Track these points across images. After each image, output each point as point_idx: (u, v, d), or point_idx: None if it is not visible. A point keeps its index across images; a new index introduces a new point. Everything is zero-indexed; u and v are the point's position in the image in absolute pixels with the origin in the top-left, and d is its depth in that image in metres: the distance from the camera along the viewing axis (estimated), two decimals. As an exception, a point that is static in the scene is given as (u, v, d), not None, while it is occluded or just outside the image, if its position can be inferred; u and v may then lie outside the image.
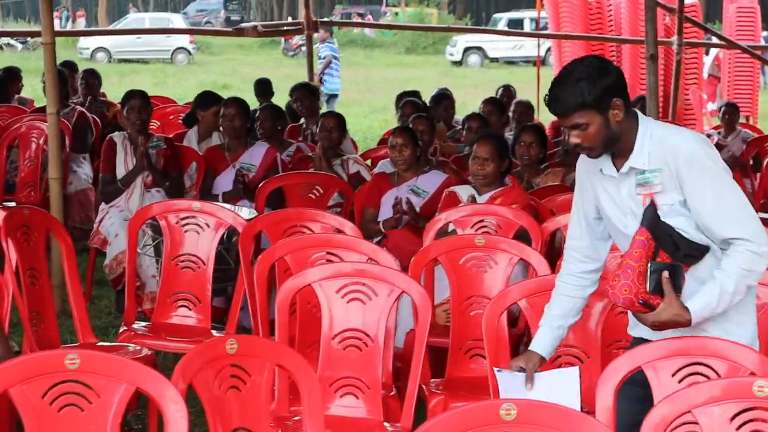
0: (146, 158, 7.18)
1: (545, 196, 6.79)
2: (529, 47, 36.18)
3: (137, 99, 7.43)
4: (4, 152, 8.63)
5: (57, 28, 40.72)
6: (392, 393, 4.66)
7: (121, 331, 5.43)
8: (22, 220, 5.01)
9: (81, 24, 37.35)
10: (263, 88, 11.24)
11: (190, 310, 5.57)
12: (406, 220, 6.45)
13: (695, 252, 3.63)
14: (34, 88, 16.27)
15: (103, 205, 7.41)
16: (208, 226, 5.62)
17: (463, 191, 6.27)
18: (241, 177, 7.24)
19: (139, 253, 6.15)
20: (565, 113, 3.60)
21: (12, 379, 3.07)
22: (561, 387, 3.85)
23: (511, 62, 36.11)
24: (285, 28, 13.13)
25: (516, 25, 35.83)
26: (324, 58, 21.30)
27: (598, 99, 3.57)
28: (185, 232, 5.62)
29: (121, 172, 7.29)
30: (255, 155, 7.48)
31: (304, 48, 37.57)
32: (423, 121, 7.87)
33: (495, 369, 3.99)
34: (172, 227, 5.62)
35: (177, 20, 37.30)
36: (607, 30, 16.07)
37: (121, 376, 3.15)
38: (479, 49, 36.24)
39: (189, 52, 35.45)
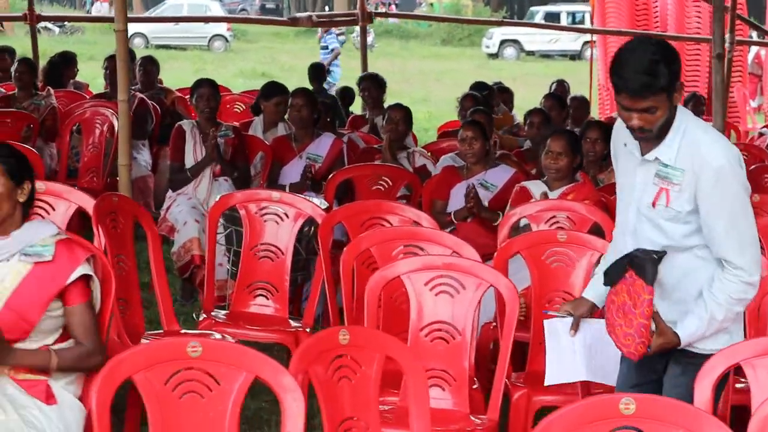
0: (215, 148, 7.24)
1: (613, 192, 6.80)
2: (565, 41, 36.20)
3: (206, 87, 7.49)
4: (67, 137, 8.71)
5: (82, 13, 40.78)
6: (475, 386, 4.70)
7: (201, 319, 5.49)
8: (111, 206, 5.07)
9: (105, 9, 37.24)
10: (317, 72, 11.33)
11: (267, 299, 5.63)
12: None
13: None
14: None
15: (170, 193, 7.48)
16: (287, 216, 5.67)
17: (535, 187, 6.30)
18: (309, 170, 7.30)
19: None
20: (642, 95, 3.50)
21: (136, 365, 3.13)
22: (603, 340, 3.86)
23: (546, 56, 36.06)
24: (339, 18, 13.01)
25: (553, 18, 35.75)
26: (332, 49, 21.42)
27: (671, 83, 3.53)
28: (265, 222, 5.68)
29: (190, 160, 7.36)
30: (322, 146, 7.54)
31: (340, 38, 37.63)
32: (482, 115, 7.90)
33: (544, 312, 4.03)
34: (252, 217, 5.68)
35: (215, 7, 37.26)
36: (653, 26, 16.03)
37: (241, 364, 3.21)
38: (515, 41, 36.19)
39: (226, 39, 35.53)
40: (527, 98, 22.24)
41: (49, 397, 3.67)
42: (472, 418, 4.47)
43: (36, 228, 3.82)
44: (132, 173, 8.89)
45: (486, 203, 6.57)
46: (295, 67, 30.11)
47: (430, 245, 5.03)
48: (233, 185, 7.29)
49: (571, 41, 35.99)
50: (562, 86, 10.76)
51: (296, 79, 24.70)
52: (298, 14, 11.49)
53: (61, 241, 3.77)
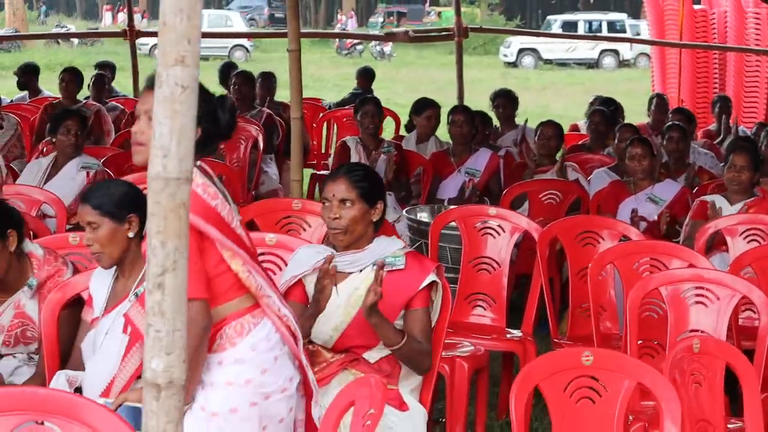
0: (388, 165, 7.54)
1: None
2: (582, 49, 36.63)
3: (371, 105, 7.81)
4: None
5: (108, 24, 41.05)
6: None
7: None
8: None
9: (137, 21, 37.63)
10: (366, 75, 11.82)
11: (485, 309, 5.91)
12: (644, 226, 6.78)
13: None
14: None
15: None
16: (503, 230, 5.96)
17: (717, 201, 6.59)
18: (468, 185, 7.60)
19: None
20: None
21: (542, 373, 3.42)
22: None
23: (563, 64, 36.46)
24: (435, 34, 13.33)
25: (570, 27, 36.23)
26: None
27: None
28: (482, 236, 5.97)
29: (356, 175, 7.63)
30: (479, 160, 7.83)
31: (359, 47, 37.98)
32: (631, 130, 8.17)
33: None
34: (470, 231, 5.97)
35: (235, 18, 37.60)
36: (711, 38, 16.36)
37: (625, 371, 3.50)
38: (533, 50, 36.58)
39: (247, 50, 35.83)
40: (569, 108, 22.71)
41: (401, 404, 3.96)
42: None
43: (386, 243, 4.10)
44: (264, 187, 9.28)
45: (654, 218, 6.86)
46: (322, 76, 30.49)
47: (668, 258, 5.34)
48: (396, 200, 7.56)
49: (588, 50, 36.44)
50: (662, 99, 10.94)
51: (328, 89, 25.11)
52: (394, 29, 11.76)
53: (409, 253, 4.08)
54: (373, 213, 4.07)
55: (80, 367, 3.96)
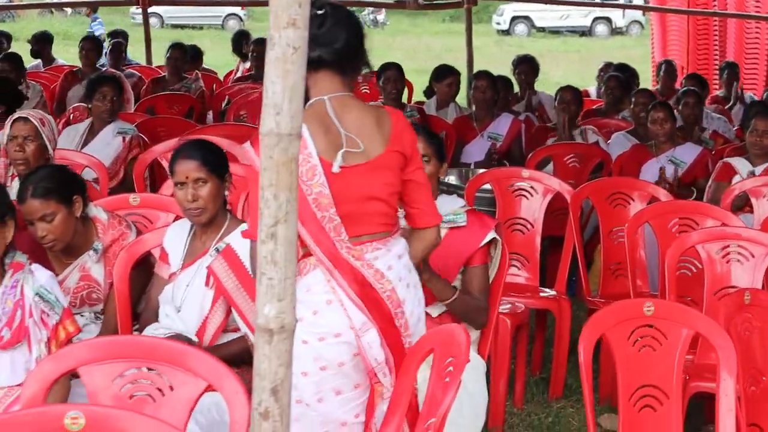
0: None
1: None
2: (575, 17, 36.67)
3: (393, 70, 7.96)
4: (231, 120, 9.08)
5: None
6: None
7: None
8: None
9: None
10: None
11: (519, 269, 6.07)
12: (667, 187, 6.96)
13: None
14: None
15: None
16: (536, 191, 6.12)
17: (739, 163, 6.76)
18: (494, 149, 7.75)
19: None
20: None
21: (608, 323, 3.59)
22: None
23: (556, 32, 36.51)
24: (444, 1, 13.42)
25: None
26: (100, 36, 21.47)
27: None
28: (516, 197, 6.13)
29: (381, 141, 7.78)
30: (501, 125, 7.99)
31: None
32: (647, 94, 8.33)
33: None
34: (504, 193, 6.12)
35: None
36: (711, 5, 16.47)
37: (684, 321, 3.67)
38: (526, 18, 36.61)
39: (240, 18, 35.81)
40: (568, 76, 22.82)
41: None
42: None
43: (447, 201, 4.26)
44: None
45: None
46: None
47: (701, 218, 5.51)
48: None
49: (581, 17, 36.49)
50: (671, 66, 11.06)
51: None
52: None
53: (469, 211, 4.23)
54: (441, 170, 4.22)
55: (153, 319, 4.13)
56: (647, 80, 16.96)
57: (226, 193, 4.13)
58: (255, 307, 3.84)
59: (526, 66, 9.59)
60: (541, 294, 5.89)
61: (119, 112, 7.08)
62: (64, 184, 4.22)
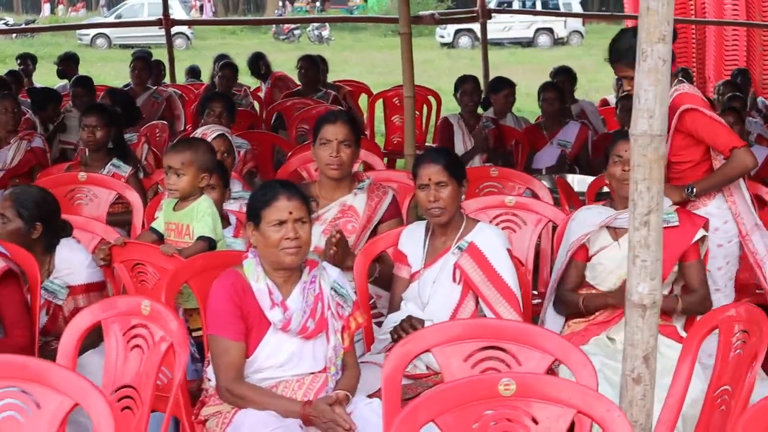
0: (485, 140, 8.07)
1: None
2: (518, 29, 37.37)
3: (470, 83, 8.33)
4: (294, 134, 9.35)
5: (47, 15, 40.11)
6: None
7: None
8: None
9: (82, 13, 37.44)
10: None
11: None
12: None
13: None
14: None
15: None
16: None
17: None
18: (565, 155, 8.15)
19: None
20: None
21: None
22: None
23: (498, 44, 37.10)
24: (460, 16, 13.81)
25: (506, 6, 36.82)
26: None
27: None
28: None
29: (459, 149, 8.15)
30: (569, 132, 8.39)
31: (296, 32, 38.13)
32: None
33: None
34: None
35: (175, 5, 37.53)
36: (689, 12, 16.99)
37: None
38: (470, 30, 37.15)
39: (188, 37, 35.90)
40: (531, 86, 23.29)
41: (680, 338, 4.46)
42: None
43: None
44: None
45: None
46: (275, 61, 30.71)
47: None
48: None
49: (523, 29, 37.22)
50: (686, 73, 11.52)
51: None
52: (421, 13, 12.26)
53: (679, 209, 4.61)
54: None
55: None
56: (607, 88, 17.51)
57: (462, 197, 4.47)
58: (501, 297, 4.22)
59: (564, 76, 9.96)
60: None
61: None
62: None
